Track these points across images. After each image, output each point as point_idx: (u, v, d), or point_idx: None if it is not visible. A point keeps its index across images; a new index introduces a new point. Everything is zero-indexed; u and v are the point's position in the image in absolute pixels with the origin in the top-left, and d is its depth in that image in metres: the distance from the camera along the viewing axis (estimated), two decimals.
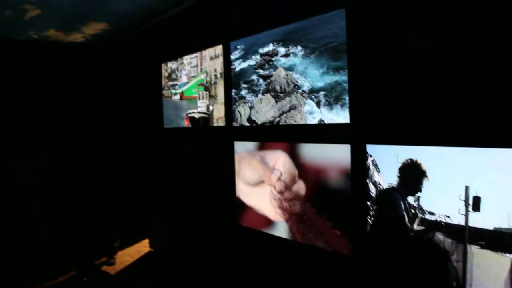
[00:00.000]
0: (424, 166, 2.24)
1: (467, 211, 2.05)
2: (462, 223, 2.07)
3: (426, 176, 2.23)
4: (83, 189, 5.57)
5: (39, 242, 5.48)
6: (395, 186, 2.39)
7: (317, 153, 2.90)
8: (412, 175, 2.29)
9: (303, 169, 3.02)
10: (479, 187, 2.00)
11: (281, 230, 3.25)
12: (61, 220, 5.71)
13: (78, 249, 5.45)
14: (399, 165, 2.35)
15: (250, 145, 3.50)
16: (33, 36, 5.41)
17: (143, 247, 5.60)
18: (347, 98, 2.65)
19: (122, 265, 4.98)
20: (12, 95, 5.57)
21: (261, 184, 3.42)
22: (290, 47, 3.06)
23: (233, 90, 3.67)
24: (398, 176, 2.37)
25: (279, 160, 3.21)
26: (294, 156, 3.08)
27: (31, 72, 5.77)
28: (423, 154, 2.24)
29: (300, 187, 3.05)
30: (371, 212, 2.56)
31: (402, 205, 2.35)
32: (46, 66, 5.90)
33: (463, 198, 2.05)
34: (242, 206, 3.66)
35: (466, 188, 2.04)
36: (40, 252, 5.35)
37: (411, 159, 2.30)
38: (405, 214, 2.34)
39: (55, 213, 5.66)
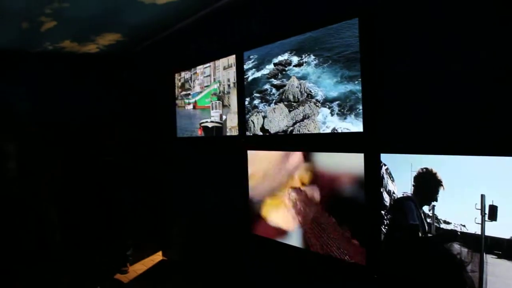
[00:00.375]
0: (440, 175, 2.23)
1: (483, 220, 2.03)
2: (478, 232, 2.06)
3: (441, 185, 2.22)
4: (96, 198, 5.62)
5: (53, 248, 5.50)
6: (410, 195, 2.38)
7: (331, 162, 2.91)
8: (428, 184, 2.28)
9: (317, 178, 3.02)
10: (495, 196, 1.98)
11: (294, 239, 3.25)
12: (75, 228, 5.76)
13: (92, 257, 5.48)
14: (414, 174, 2.35)
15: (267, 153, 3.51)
16: (48, 47, 5.50)
17: (156, 255, 5.61)
18: (360, 107, 2.65)
19: (135, 273, 4.99)
20: (27, 107, 5.66)
21: (277, 194, 3.42)
22: (303, 56, 3.08)
23: (246, 100, 3.69)
24: (413, 185, 2.36)
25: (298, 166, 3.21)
26: (309, 165, 3.09)
27: (46, 82, 5.87)
28: (438, 163, 2.23)
29: (315, 195, 3.05)
30: (385, 221, 2.55)
31: (416, 214, 2.34)
32: (61, 76, 6.01)
33: (479, 207, 2.04)
34: (256, 217, 3.66)
35: (482, 196, 2.03)
36: (54, 258, 5.38)
37: (426, 168, 2.29)
38: (420, 223, 2.32)
39: (69, 220, 5.71)
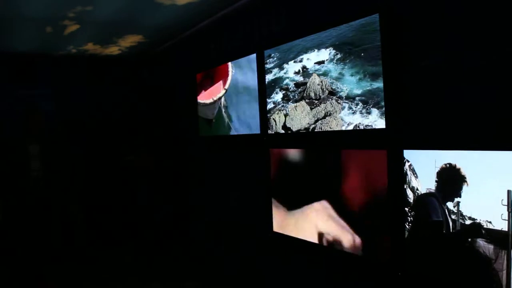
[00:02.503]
0: (464, 171, 2.20)
1: (509, 216, 2.00)
2: (505, 228, 2.03)
3: (465, 181, 2.19)
4: (121, 197, 5.69)
5: (78, 246, 5.59)
6: (432, 191, 2.36)
7: (353, 159, 2.90)
8: (451, 180, 2.25)
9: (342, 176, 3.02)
10: None
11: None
12: (100, 227, 5.85)
13: (116, 256, 5.55)
14: (437, 170, 2.32)
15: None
16: (72, 51, 5.61)
17: (179, 254, 5.65)
18: (383, 103, 2.64)
19: (158, 272, 5.04)
20: (52, 108, 5.79)
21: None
22: (325, 53, 3.07)
23: (268, 98, 3.70)
24: (436, 181, 2.34)
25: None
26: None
27: (70, 84, 6.01)
28: (462, 159, 2.20)
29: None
30: (409, 218, 2.53)
31: (440, 211, 2.32)
32: (85, 78, 6.14)
33: (506, 202, 2.01)
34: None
35: (509, 192, 2.00)
36: (80, 258, 5.46)
37: (449, 164, 2.26)
38: (444, 220, 2.30)
39: (94, 219, 5.80)
